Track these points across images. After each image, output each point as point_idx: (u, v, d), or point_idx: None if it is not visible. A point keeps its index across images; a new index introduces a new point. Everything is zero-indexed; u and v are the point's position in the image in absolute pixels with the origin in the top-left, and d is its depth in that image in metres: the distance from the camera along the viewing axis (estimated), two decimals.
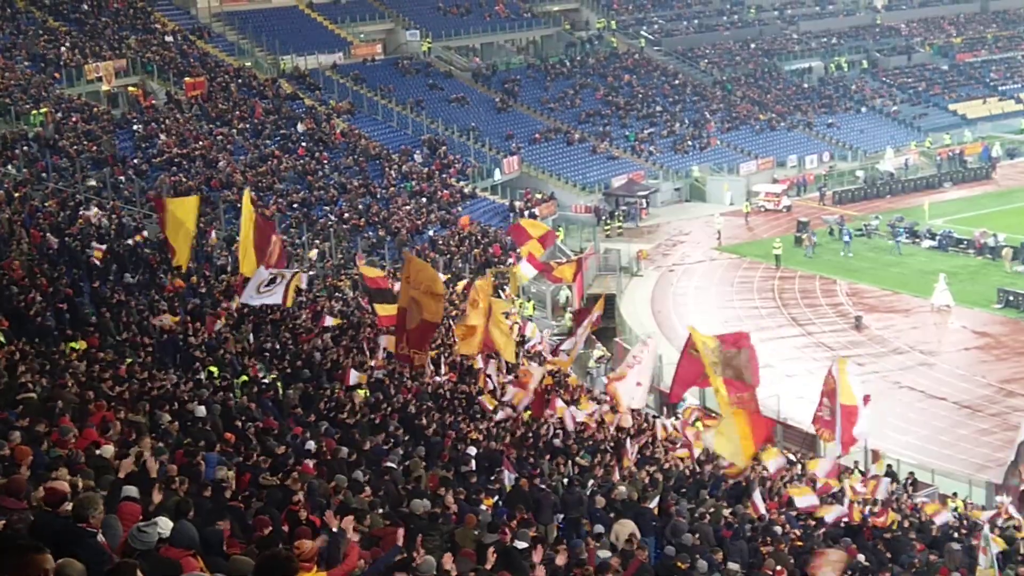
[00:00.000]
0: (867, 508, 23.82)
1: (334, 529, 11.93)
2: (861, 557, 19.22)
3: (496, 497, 17.93)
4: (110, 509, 9.60)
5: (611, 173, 67.52)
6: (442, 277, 35.79)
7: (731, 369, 19.66)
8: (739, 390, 19.81)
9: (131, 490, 10.76)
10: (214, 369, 22.36)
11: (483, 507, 16.07)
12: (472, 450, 20.77)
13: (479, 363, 28.85)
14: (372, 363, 27.25)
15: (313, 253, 41.84)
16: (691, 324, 23.99)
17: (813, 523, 22.00)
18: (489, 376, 28.64)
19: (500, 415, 25.70)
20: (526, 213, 55.07)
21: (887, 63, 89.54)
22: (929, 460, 32.89)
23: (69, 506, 9.20)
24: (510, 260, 43.33)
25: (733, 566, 17.00)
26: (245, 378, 22.43)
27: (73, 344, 21.05)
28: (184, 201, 28.48)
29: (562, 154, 68.55)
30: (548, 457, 22.60)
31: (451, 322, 31.90)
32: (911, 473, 29.91)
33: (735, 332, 21.12)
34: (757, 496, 22.22)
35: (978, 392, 39.05)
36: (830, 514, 22.22)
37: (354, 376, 25.22)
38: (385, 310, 26.28)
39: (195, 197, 30.64)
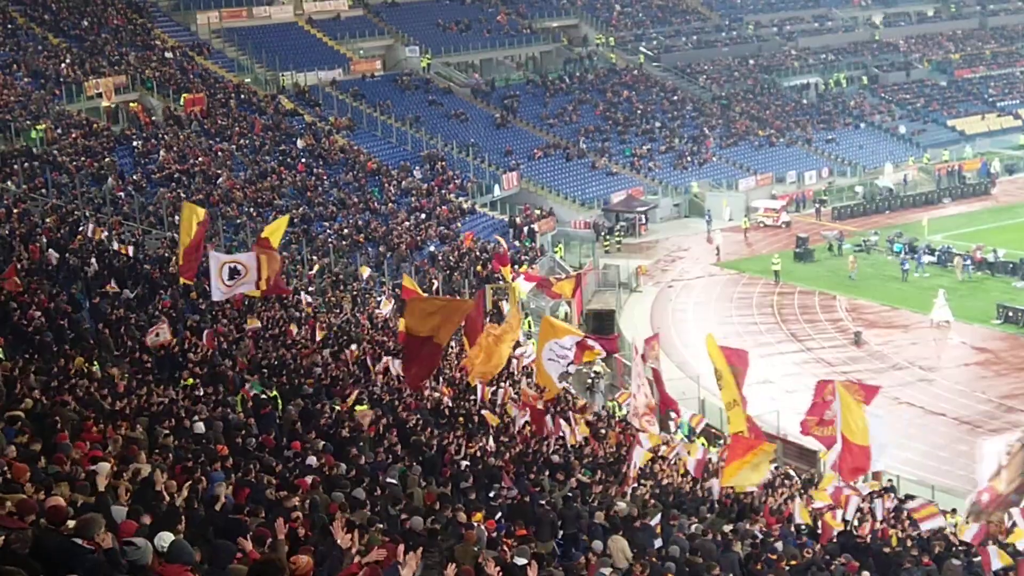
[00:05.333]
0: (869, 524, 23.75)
1: (339, 542, 11.90)
2: (866, 574, 19.12)
3: (499, 513, 17.90)
4: (107, 526, 9.58)
5: (610, 189, 67.58)
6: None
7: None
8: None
9: (122, 509, 10.78)
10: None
11: (474, 522, 15.99)
12: (467, 463, 20.76)
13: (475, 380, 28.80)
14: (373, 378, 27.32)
15: (316, 268, 41.83)
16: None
17: (805, 539, 21.91)
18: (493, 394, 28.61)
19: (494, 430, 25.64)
20: (525, 229, 55.11)
21: (886, 79, 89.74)
22: (928, 476, 32.81)
23: (71, 524, 9.21)
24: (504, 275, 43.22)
25: None
26: (241, 396, 22.36)
27: (81, 360, 21.00)
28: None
29: (561, 170, 68.61)
30: (548, 473, 22.55)
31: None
32: (904, 496, 29.70)
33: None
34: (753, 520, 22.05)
35: (978, 408, 39.00)
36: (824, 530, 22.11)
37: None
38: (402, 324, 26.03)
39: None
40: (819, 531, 22.51)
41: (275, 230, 27.13)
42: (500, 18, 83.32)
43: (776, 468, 28.95)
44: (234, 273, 25.10)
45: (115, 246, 32.49)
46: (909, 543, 22.84)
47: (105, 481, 11.92)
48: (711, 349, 21.37)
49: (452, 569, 11.02)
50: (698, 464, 25.57)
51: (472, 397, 28.42)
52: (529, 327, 43.71)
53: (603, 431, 29.38)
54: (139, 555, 9.17)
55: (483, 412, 26.74)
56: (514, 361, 32.67)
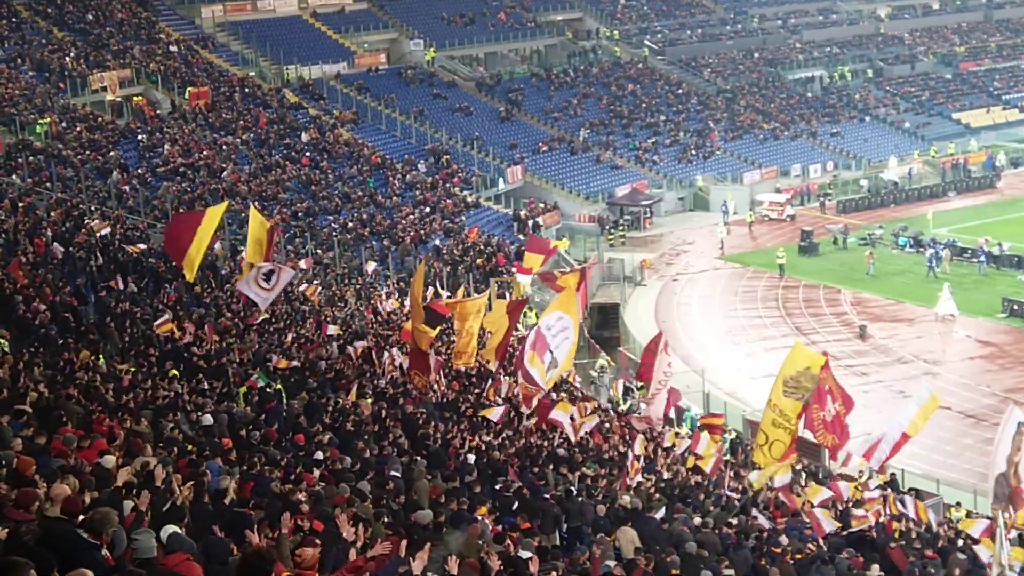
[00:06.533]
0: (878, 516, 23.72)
1: (344, 535, 11.91)
2: (876, 567, 19.09)
3: (514, 504, 17.91)
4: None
5: (615, 182, 67.54)
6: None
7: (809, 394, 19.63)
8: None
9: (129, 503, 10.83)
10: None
11: (478, 516, 16.02)
12: (472, 457, 20.78)
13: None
14: (379, 372, 27.35)
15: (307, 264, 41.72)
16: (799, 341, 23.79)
17: (808, 531, 21.88)
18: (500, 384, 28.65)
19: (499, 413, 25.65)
20: (530, 222, 55.08)
21: (891, 72, 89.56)
22: (934, 470, 32.80)
23: (82, 517, 9.25)
24: (513, 270, 43.28)
25: (729, 572, 16.94)
26: (245, 389, 22.39)
27: (86, 353, 21.03)
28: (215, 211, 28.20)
29: (566, 163, 68.58)
30: (552, 467, 22.55)
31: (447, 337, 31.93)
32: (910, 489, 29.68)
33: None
34: (757, 512, 22.15)
35: (983, 401, 38.97)
36: (827, 522, 22.08)
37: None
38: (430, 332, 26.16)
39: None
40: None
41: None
42: (500, 16, 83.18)
43: None
44: (269, 276, 25.17)
45: (127, 248, 32.43)
46: (913, 536, 22.83)
47: (125, 477, 11.95)
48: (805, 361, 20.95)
49: (454, 562, 11.03)
50: (714, 464, 25.62)
51: (476, 391, 28.47)
52: (536, 318, 43.71)
53: (607, 425, 29.37)
54: (147, 545, 9.20)
55: (488, 406, 26.78)
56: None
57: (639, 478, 22.78)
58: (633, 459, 22.94)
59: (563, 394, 29.97)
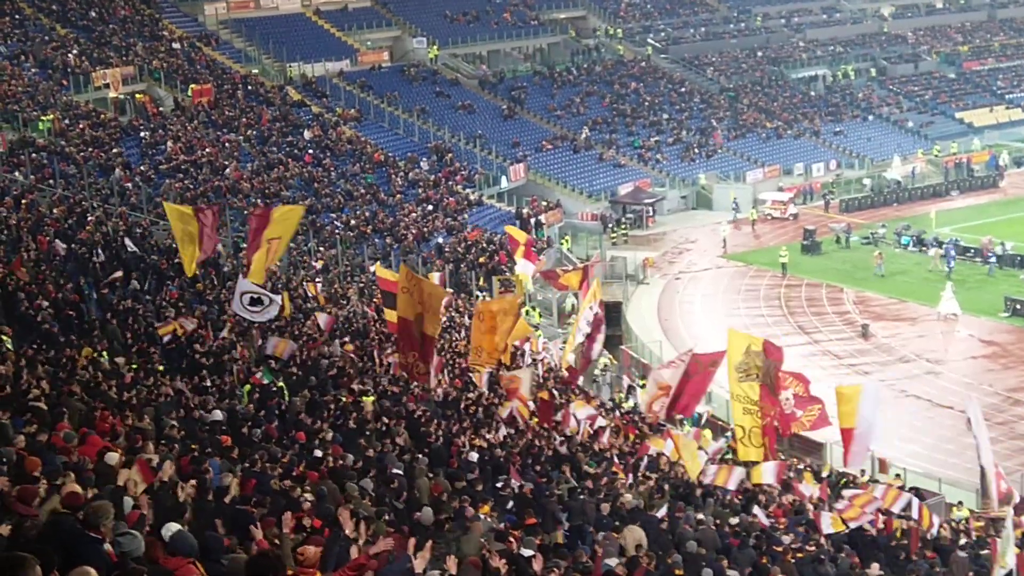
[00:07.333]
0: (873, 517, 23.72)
1: (347, 532, 11.92)
2: (876, 566, 19.11)
3: (510, 503, 17.91)
4: (116, 516, 9.63)
5: (617, 181, 67.52)
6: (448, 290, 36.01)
7: (768, 378, 19.68)
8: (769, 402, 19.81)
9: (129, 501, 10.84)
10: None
11: (481, 514, 16.02)
12: (475, 455, 20.78)
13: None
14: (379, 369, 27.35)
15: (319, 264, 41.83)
16: (730, 327, 23.77)
17: (806, 530, 21.90)
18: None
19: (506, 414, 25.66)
20: (532, 220, 55.06)
21: (894, 71, 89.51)
22: (935, 469, 32.80)
23: (80, 513, 9.25)
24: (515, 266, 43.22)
25: (732, 573, 16.95)
26: (248, 387, 22.40)
27: (89, 350, 21.04)
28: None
29: (568, 161, 68.56)
30: (554, 465, 22.53)
31: (452, 333, 31.94)
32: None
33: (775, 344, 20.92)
34: (758, 510, 22.17)
35: (985, 401, 38.83)
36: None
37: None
38: (390, 315, 26.08)
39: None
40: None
41: (286, 220, 26.14)
42: (505, 15, 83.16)
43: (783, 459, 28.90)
44: (255, 302, 24.83)
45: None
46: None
47: (127, 475, 11.96)
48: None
49: (453, 561, 11.03)
50: (711, 457, 25.67)
51: (479, 390, 28.44)
52: (539, 317, 43.76)
53: (610, 423, 29.37)
54: (132, 546, 9.20)
55: (493, 403, 26.77)
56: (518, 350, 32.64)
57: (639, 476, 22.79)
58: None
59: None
